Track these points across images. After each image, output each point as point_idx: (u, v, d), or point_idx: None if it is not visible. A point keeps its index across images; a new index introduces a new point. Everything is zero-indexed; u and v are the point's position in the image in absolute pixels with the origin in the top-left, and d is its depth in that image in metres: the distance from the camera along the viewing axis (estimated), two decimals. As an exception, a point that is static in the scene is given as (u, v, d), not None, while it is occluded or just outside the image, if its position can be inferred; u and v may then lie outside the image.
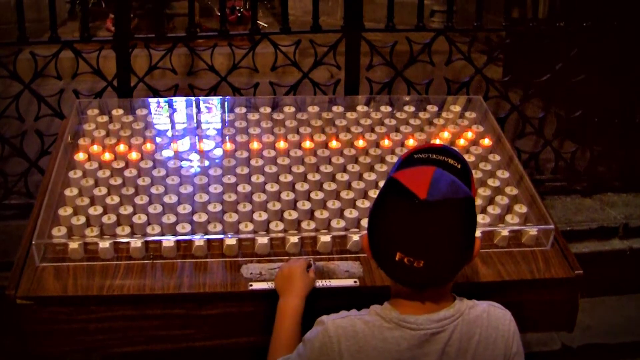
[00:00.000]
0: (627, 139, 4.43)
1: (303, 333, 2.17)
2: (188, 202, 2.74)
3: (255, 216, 2.69)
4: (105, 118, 3.14)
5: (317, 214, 2.72)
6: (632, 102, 4.40)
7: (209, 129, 3.15)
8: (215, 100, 3.37)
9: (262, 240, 2.61)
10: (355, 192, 2.82)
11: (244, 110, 3.22)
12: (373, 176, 2.91)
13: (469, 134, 3.18)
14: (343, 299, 2.29)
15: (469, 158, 3.03)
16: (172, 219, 2.66)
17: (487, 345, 2.06)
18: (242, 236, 2.63)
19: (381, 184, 2.86)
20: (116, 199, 2.73)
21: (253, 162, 2.93)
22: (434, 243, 1.94)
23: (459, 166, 2.14)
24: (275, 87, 3.92)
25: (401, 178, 1.97)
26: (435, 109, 3.32)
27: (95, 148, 2.98)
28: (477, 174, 2.95)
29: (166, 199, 2.73)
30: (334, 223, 2.69)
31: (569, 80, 4.23)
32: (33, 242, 2.52)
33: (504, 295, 2.59)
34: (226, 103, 3.30)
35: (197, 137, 3.09)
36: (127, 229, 2.63)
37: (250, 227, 2.66)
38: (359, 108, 3.28)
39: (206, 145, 3.04)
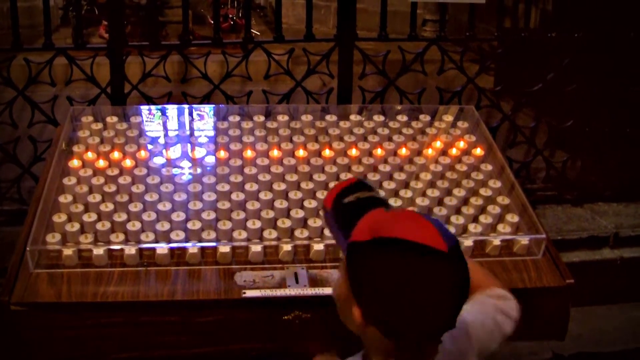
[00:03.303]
0: (618, 148, 4.45)
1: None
2: (182, 209, 2.75)
3: (249, 224, 2.70)
4: (99, 125, 3.14)
5: (310, 222, 2.74)
6: (623, 111, 4.43)
7: (201, 136, 3.16)
8: (208, 108, 3.38)
9: (256, 248, 2.62)
10: (348, 201, 2.83)
11: (237, 118, 3.23)
12: (366, 185, 2.92)
13: (461, 144, 3.20)
14: (335, 307, 2.30)
15: (461, 167, 3.05)
16: (166, 226, 2.67)
17: None
18: (235, 244, 2.64)
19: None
20: (110, 206, 2.73)
21: (247, 170, 2.94)
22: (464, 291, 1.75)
23: (379, 194, 2.05)
24: (268, 95, 3.93)
25: (409, 236, 1.71)
26: (428, 118, 3.33)
27: (90, 155, 2.99)
28: (469, 184, 2.97)
29: (160, 207, 2.74)
30: (327, 231, 2.70)
31: (561, 90, 4.26)
32: (27, 249, 2.52)
33: (496, 304, 2.62)
34: (220, 111, 3.31)
35: (190, 144, 3.10)
36: (121, 236, 2.64)
37: (244, 234, 2.67)
38: (352, 117, 3.29)
39: (200, 153, 3.05)
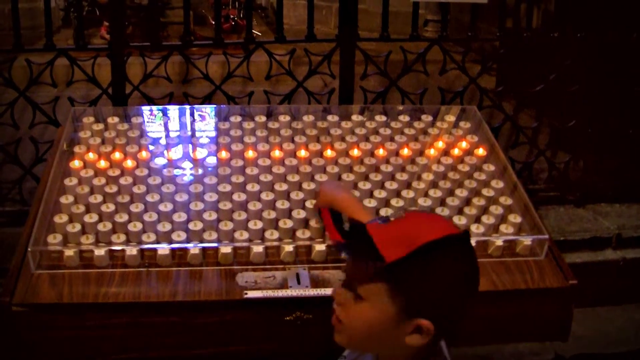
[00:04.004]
0: (620, 149, 4.45)
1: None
2: (183, 210, 2.74)
3: (251, 225, 2.70)
4: (100, 126, 3.14)
5: (312, 222, 2.73)
6: (626, 112, 4.42)
7: (202, 136, 3.15)
8: (209, 109, 3.37)
9: (257, 248, 2.61)
10: (350, 201, 2.82)
11: (239, 118, 3.22)
12: (368, 185, 2.91)
13: (463, 144, 3.19)
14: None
15: (463, 168, 3.04)
16: (167, 227, 2.66)
17: None
18: (237, 245, 2.63)
19: (376, 193, 2.88)
20: (111, 207, 2.73)
21: (248, 170, 2.93)
22: None
23: None
24: (269, 95, 3.93)
25: (439, 234, 1.79)
26: (430, 118, 3.32)
27: (91, 156, 2.98)
28: (471, 184, 2.96)
29: (161, 207, 2.74)
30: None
31: (563, 90, 4.25)
32: (29, 249, 2.52)
33: (498, 305, 2.61)
34: (221, 111, 3.30)
35: (192, 145, 3.09)
36: (123, 237, 2.63)
37: (246, 235, 2.66)
38: (354, 117, 3.28)
39: (201, 153, 3.04)
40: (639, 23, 4.23)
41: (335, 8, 6.00)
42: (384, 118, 3.29)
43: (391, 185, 2.93)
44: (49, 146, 3.55)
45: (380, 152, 3.10)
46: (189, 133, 3.17)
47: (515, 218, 2.82)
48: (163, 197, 2.80)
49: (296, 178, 2.92)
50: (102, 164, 2.95)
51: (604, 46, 4.26)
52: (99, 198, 2.77)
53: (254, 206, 2.77)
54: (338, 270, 2.59)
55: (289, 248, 2.63)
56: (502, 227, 2.80)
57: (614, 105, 4.40)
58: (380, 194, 2.89)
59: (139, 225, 2.66)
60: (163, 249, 2.59)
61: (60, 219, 2.67)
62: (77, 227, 2.65)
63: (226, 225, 2.68)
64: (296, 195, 2.84)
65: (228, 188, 2.84)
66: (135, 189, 2.82)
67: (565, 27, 4.22)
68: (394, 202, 2.86)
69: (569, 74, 4.24)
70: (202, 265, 2.60)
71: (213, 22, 4.16)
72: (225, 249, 2.61)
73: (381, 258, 1.78)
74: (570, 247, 4.09)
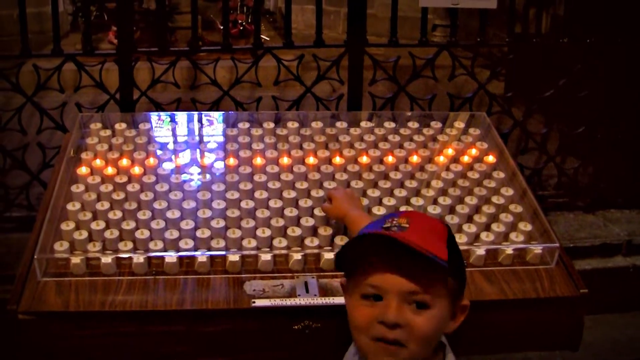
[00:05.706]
0: (630, 155, 4.42)
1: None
2: (191, 217, 2.72)
3: (259, 232, 2.67)
4: (108, 132, 3.12)
5: (320, 230, 2.71)
6: (635, 117, 4.40)
7: (210, 142, 3.13)
8: (217, 115, 3.35)
9: (266, 256, 2.59)
10: (358, 209, 2.80)
11: (247, 125, 3.20)
12: (377, 192, 2.89)
13: (473, 151, 3.17)
14: (346, 316, 2.27)
15: (473, 175, 3.02)
16: (174, 234, 2.64)
17: None
18: (245, 252, 2.61)
19: (385, 200, 2.86)
20: (119, 214, 2.71)
21: (256, 177, 2.91)
22: None
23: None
24: (277, 101, 3.91)
25: (442, 224, 2.09)
26: (439, 125, 3.29)
27: (98, 162, 2.96)
28: (481, 191, 2.94)
29: (169, 215, 2.72)
30: (337, 240, 2.67)
31: (572, 95, 4.23)
32: (35, 257, 2.49)
33: (508, 314, 2.59)
34: (229, 117, 3.29)
35: (199, 152, 3.08)
36: (130, 245, 2.61)
37: (254, 243, 2.64)
38: (363, 124, 3.26)
39: (209, 160, 3.03)
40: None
41: (344, 13, 5.99)
42: (392, 124, 3.27)
43: (400, 193, 2.90)
44: (56, 152, 3.54)
45: (389, 159, 3.08)
46: (197, 139, 3.16)
47: (526, 226, 2.79)
48: (170, 204, 2.78)
49: (305, 185, 2.90)
50: (110, 170, 2.93)
51: (613, 51, 4.24)
52: (106, 205, 2.75)
53: (262, 214, 2.75)
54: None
55: (297, 256, 2.61)
56: (512, 235, 2.77)
57: (623, 110, 4.38)
58: (389, 201, 2.86)
59: (146, 233, 2.64)
60: (170, 256, 2.57)
61: (67, 226, 2.65)
62: (84, 234, 2.63)
63: (234, 233, 2.66)
64: (305, 203, 2.82)
65: (236, 195, 2.83)
66: (143, 196, 2.80)
67: (575, 32, 4.20)
68: (403, 209, 2.84)
69: (578, 79, 4.22)
70: (209, 274, 2.57)
71: (221, 27, 4.15)
72: (233, 257, 2.58)
73: (439, 259, 1.89)
74: (579, 254, 4.08)
